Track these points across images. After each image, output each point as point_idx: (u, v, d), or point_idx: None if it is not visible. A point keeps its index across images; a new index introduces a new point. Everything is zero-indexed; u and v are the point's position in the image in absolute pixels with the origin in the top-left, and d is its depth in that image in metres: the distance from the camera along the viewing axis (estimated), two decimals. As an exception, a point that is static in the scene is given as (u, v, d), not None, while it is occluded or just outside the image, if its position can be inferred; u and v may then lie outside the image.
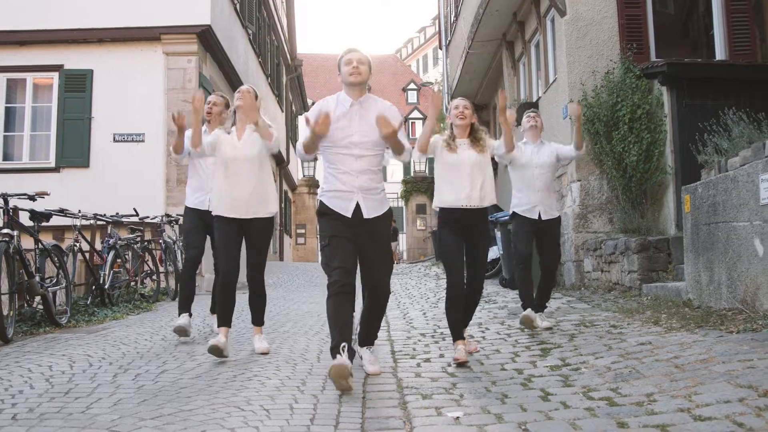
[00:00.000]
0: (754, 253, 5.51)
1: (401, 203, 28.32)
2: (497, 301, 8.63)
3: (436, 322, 7.04)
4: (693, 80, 9.12)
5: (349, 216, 4.27)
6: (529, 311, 6.03)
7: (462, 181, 5.00)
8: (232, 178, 5.14)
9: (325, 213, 4.33)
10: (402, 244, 28.01)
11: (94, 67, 12.54)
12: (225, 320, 5.16)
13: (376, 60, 30.24)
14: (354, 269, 4.23)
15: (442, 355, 5.18)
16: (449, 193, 5.03)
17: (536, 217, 6.16)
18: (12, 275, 5.79)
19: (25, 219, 6.82)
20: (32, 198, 6.33)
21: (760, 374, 3.56)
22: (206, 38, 12.78)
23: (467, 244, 5.05)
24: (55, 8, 12.39)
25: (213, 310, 6.24)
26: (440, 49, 18.10)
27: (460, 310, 5.08)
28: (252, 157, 5.18)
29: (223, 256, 5.20)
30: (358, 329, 4.75)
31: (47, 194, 6.44)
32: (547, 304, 6.38)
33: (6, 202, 6.00)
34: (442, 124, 27.54)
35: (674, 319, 5.78)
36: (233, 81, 14.81)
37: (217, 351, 4.82)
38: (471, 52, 14.17)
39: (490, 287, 10.54)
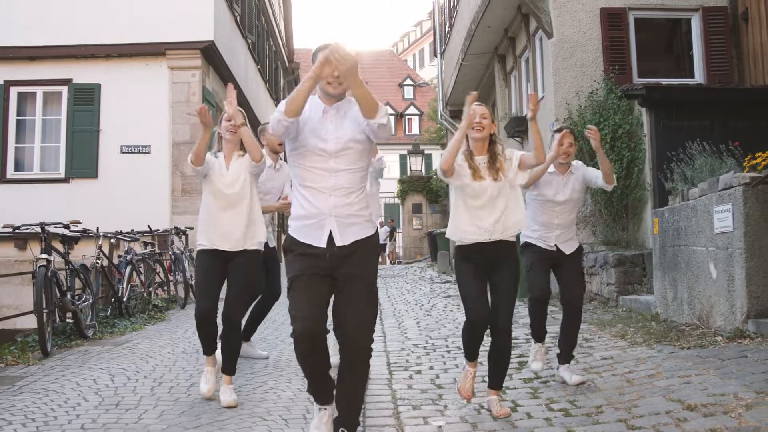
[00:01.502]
0: (709, 276, 6.38)
1: (397, 201, 29.16)
2: (486, 310, 9.47)
3: (428, 332, 7.88)
4: (670, 102, 9.96)
5: (323, 246, 3.56)
6: (540, 345, 5.50)
7: (482, 212, 4.41)
8: (219, 209, 4.97)
9: (290, 250, 3.64)
10: (398, 242, 28.88)
11: (101, 81, 13.35)
12: (209, 349, 5.02)
13: (371, 55, 31.79)
14: (323, 316, 3.56)
15: (431, 367, 6.03)
16: (468, 226, 4.43)
17: (553, 249, 5.36)
18: (49, 295, 6.65)
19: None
20: (66, 227, 7.16)
21: (691, 389, 4.43)
22: (209, 53, 13.60)
23: (490, 275, 4.44)
24: (65, 25, 13.15)
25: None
26: (435, 56, 18.96)
27: (477, 338, 4.60)
28: (240, 186, 4.99)
29: (202, 294, 4.98)
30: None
31: (80, 222, 7.27)
32: (574, 353, 5.42)
33: (43, 230, 6.83)
34: (438, 124, 28.24)
35: (639, 333, 6.65)
36: (234, 91, 15.64)
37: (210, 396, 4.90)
38: (464, 64, 15.03)
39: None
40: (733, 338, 5.73)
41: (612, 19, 10.91)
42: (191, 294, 11.05)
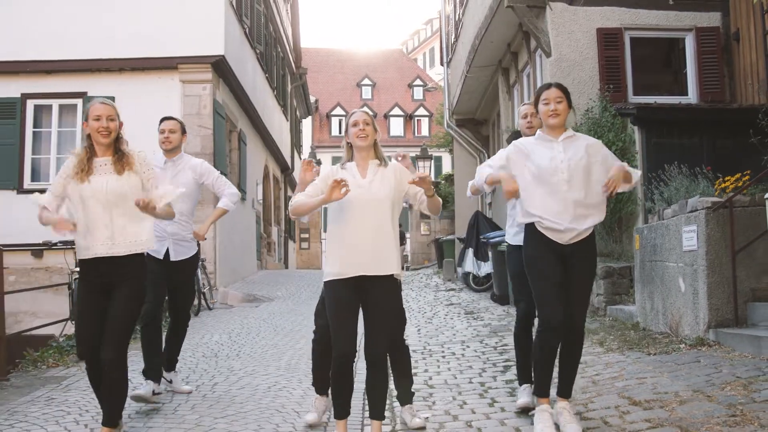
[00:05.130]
0: (679, 289, 7.43)
1: (406, 206, 30.17)
2: (483, 318, 10.56)
3: (427, 339, 8.95)
4: (660, 121, 10.98)
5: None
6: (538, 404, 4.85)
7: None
8: (355, 226, 4.49)
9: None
10: (407, 248, 29.95)
11: (115, 94, 14.38)
12: (344, 410, 4.59)
13: (381, 54, 33.26)
14: None
15: (426, 370, 7.09)
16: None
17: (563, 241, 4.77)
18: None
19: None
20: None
21: (642, 389, 5.48)
22: (220, 66, 14.70)
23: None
24: (80, 39, 14.21)
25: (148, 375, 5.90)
26: (442, 65, 20.08)
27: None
28: (383, 199, 4.54)
29: (337, 332, 4.47)
30: None
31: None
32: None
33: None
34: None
35: (617, 341, 7.69)
36: (243, 102, 16.86)
37: None
38: (469, 76, 16.11)
39: (482, 302, 12.50)
40: (695, 346, 6.78)
41: (608, 39, 11.94)
42: (203, 302, 12.16)
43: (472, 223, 14.79)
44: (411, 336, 9.18)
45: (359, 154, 4.61)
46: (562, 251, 4.75)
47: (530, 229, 4.84)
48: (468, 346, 8.28)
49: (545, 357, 4.76)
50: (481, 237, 13.68)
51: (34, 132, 14.55)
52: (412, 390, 5.32)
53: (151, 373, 5.77)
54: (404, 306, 5.27)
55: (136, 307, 4.74)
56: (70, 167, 4.69)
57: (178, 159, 6.14)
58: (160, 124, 6.23)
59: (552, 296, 4.70)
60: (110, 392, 4.66)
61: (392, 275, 4.56)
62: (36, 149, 14.56)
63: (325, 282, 4.57)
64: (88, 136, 4.74)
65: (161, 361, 5.93)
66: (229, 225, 15.59)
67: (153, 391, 5.70)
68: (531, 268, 4.83)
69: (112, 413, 4.65)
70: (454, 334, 9.18)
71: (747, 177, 7.85)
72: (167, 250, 5.98)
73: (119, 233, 4.62)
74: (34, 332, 8.78)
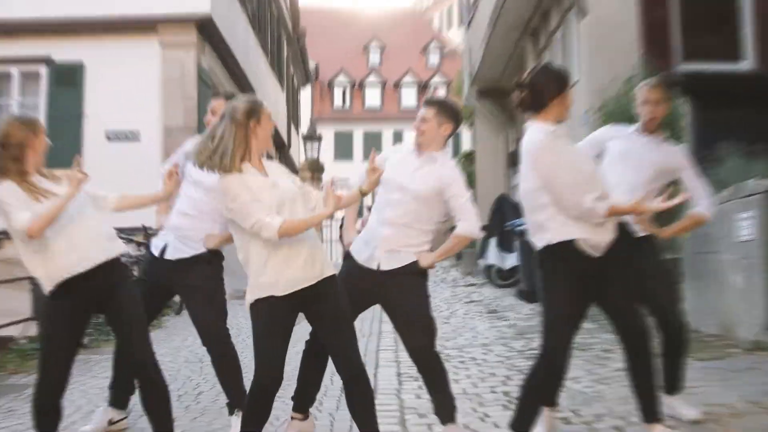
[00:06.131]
0: (733, 285, 7.40)
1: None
2: (508, 317, 10.56)
3: (444, 341, 8.89)
4: (713, 91, 10.91)
5: None
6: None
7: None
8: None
9: None
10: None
11: (84, 58, 14.38)
12: None
13: (390, 14, 33.37)
14: None
15: (442, 378, 7.09)
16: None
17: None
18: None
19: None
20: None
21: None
22: (205, 27, 14.65)
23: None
24: (42, -5, 14.17)
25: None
26: (461, 26, 20.04)
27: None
28: (297, 194, 4.38)
29: (265, 354, 4.41)
30: None
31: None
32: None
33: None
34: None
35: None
36: (232, 69, 16.84)
37: None
38: (492, 38, 16.04)
39: (506, 300, 12.51)
40: (751, 350, 6.78)
41: (653, -3, 11.85)
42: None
43: (495, 209, 14.75)
44: (424, 338, 9.18)
45: (257, 151, 4.31)
46: (591, 269, 4.50)
47: (564, 247, 4.48)
48: (491, 350, 8.28)
49: (538, 398, 4.72)
50: (506, 224, 13.64)
51: (-11, 104, 14.52)
52: (454, 405, 4.98)
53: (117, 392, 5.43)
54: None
55: (140, 302, 4.73)
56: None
57: None
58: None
59: (568, 329, 4.60)
60: (157, 396, 4.69)
61: (333, 276, 4.42)
62: (-6, 123, 14.52)
63: (254, 302, 4.33)
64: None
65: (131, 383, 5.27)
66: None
67: (110, 421, 5.38)
68: (551, 294, 4.60)
69: (166, 421, 4.68)
70: (475, 336, 9.19)
71: (814, 156, 7.80)
72: (164, 246, 5.34)
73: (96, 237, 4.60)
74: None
